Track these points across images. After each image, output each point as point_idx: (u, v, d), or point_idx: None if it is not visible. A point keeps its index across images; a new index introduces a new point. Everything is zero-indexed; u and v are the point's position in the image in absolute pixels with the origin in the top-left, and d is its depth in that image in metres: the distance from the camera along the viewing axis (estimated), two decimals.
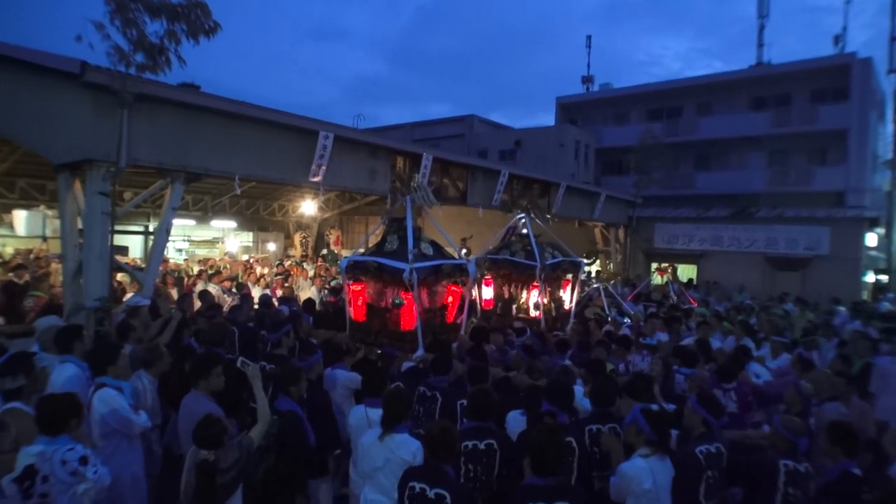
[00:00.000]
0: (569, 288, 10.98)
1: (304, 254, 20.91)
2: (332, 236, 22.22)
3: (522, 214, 10.97)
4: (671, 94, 29.72)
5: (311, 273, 15.82)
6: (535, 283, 10.05)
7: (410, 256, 7.31)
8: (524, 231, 10.78)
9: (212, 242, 20.89)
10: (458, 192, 15.00)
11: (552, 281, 10.65)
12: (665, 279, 16.16)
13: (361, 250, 8.94)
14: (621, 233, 22.92)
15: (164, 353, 5.50)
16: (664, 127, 28.31)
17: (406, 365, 6.38)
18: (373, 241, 9.26)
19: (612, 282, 16.55)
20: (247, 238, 22.23)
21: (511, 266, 10.21)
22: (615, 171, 30.98)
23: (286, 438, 4.34)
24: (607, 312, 11.16)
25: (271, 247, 21.90)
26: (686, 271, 22.08)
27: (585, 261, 11.12)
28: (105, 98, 7.49)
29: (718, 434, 4.31)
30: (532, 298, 10.12)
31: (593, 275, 18.94)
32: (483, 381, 5.06)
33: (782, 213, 21.45)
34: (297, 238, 21.92)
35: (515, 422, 4.69)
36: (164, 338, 6.53)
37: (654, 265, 21.08)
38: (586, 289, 13.57)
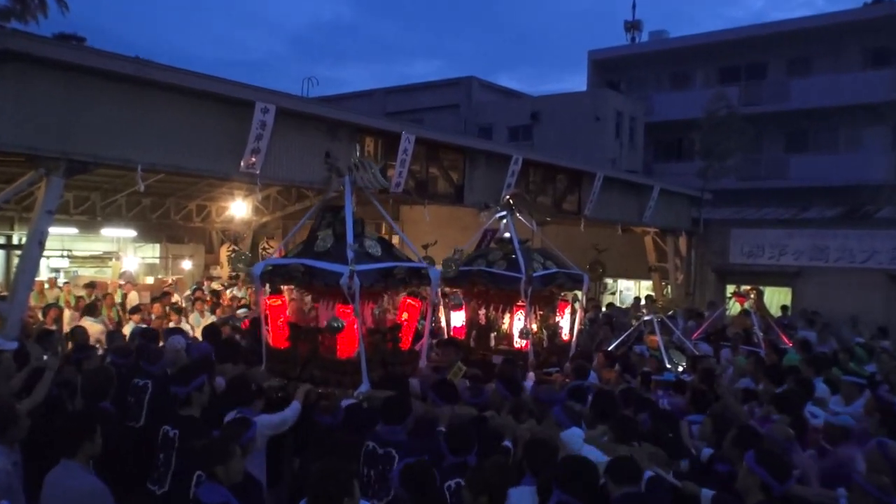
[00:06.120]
0: (567, 312, 11.18)
1: (234, 274, 20.95)
2: (272, 249, 22.23)
3: (504, 212, 11.16)
4: (752, 46, 30.10)
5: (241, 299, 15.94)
6: (519, 303, 10.24)
7: (351, 255, 7.35)
8: (506, 235, 10.98)
9: (102, 259, 20.91)
10: (452, 185, 15.14)
11: (543, 301, 10.88)
12: (747, 307, 16.27)
13: (278, 253, 9.05)
14: (683, 242, 23.10)
15: (20, 416, 5.57)
16: (742, 92, 28.70)
17: (345, 402, 6.50)
18: (299, 237, 9.32)
19: (670, 311, 16.66)
20: (152, 252, 22.27)
21: (488, 280, 10.41)
22: (673, 154, 31.34)
23: None
24: (663, 354, 11.27)
25: (187, 265, 21.95)
26: (776, 296, 22.25)
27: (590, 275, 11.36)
28: None
29: None
30: (516, 323, 10.30)
31: (643, 302, 19.05)
32: (468, 446, 5.14)
33: None
34: (223, 252, 21.98)
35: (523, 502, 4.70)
36: (37, 395, 6.57)
37: (731, 288, 21.19)
38: (633, 322, 13.69)
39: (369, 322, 8.08)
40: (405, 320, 8.50)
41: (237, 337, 10.69)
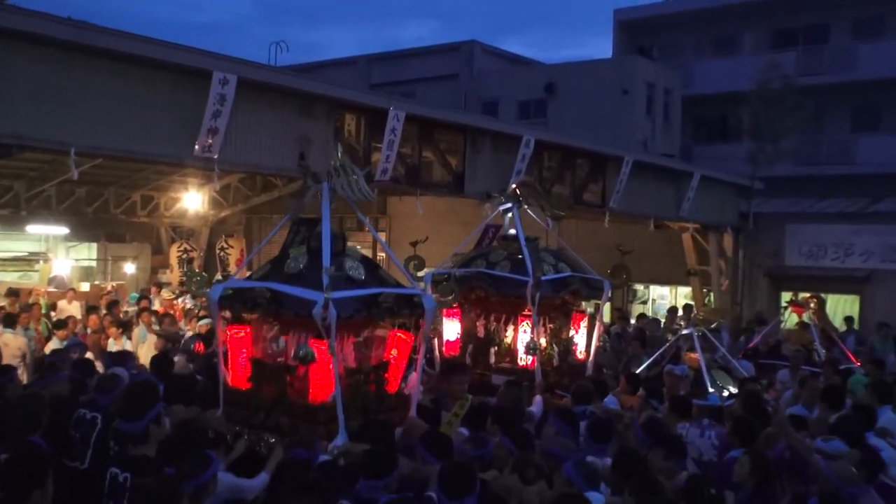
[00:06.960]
0: (583, 325, 11.20)
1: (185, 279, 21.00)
2: (234, 250, 22.23)
3: (509, 204, 11.17)
4: (811, 4, 30.12)
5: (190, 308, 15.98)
6: (525, 312, 10.28)
7: (327, 279, 7.37)
8: (512, 231, 10.99)
9: (28, 262, 20.87)
10: (450, 172, 15.15)
11: (554, 310, 10.92)
12: (806, 318, 16.29)
13: (244, 273, 9.02)
14: (728, 241, 23.11)
15: None
16: (800, 59, 28.75)
17: (320, 458, 6.47)
18: (265, 255, 9.25)
19: (713, 324, 16.67)
20: (87, 254, 22.22)
21: (488, 284, 10.43)
22: (717, 135, 31.35)
23: None
24: (705, 375, 11.30)
25: (130, 268, 21.92)
26: (840, 305, 22.28)
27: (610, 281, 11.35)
28: None
29: None
30: (521, 336, 10.31)
31: (680, 313, 19.05)
32: (468, 488, 5.11)
33: None
34: (173, 253, 21.94)
35: None
36: None
37: (787, 296, 21.17)
38: (669, 337, 13.69)
39: (350, 360, 8.05)
40: (394, 357, 8.38)
41: (191, 367, 10.69)
